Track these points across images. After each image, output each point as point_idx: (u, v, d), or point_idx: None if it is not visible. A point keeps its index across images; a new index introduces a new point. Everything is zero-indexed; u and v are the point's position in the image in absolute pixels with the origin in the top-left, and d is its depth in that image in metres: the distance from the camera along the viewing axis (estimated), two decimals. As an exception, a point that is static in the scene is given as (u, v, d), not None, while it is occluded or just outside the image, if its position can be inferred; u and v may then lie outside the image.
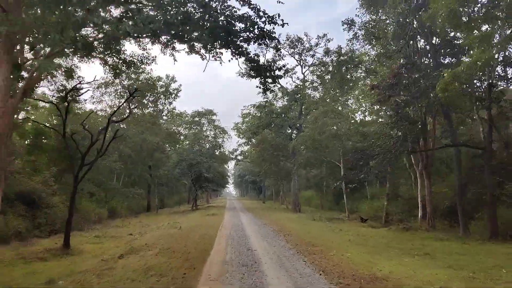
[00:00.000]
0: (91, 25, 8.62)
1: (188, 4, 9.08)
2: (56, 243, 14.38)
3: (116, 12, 10.40)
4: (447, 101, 12.84)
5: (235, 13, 8.98)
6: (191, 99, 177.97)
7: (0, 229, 14.74)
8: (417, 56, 17.76)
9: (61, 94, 13.63)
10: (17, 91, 10.60)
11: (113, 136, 14.92)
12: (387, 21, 18.97)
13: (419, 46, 18.48)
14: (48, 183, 22.45)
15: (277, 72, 8.80)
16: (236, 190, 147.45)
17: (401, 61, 16.92)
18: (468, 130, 19.38)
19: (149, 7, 9.42)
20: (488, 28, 13.71)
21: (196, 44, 10.24)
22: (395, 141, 15.37)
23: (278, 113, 38.73)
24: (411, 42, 17.47)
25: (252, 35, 9.26)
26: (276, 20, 8.95)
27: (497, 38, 14.11)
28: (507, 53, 14.85)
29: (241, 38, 9.44)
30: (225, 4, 9.08)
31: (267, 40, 9.35)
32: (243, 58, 9.96)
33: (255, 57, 10.19)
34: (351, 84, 26.32)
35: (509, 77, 15.64)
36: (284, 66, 36.69)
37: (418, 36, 18.46)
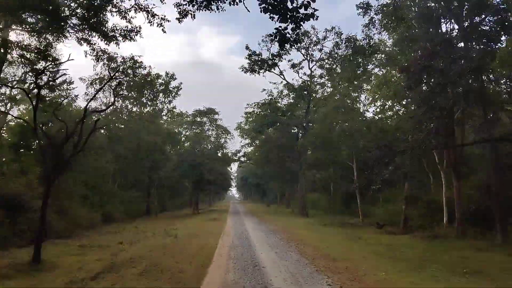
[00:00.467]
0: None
1: None
2: (30, 256, 12.32)
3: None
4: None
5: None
6: (195, 101, 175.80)
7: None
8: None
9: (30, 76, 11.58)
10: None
11: (93, 127, 12.74)
12: (408, 2, 16.81)
13: (446, 29, 16.32)
14: (32, 186, 20.51)
15: (302, 11, 5.72)
16: (239, 193, 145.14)
17: (427, 45, 14.72)
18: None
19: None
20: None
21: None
22: (425, 134, 13.13)
23: (284, 111, 36.46)
24: (439, 24, 15.28)
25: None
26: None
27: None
28: None
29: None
30: None
31: None
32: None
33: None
34: (364, 77, 24.08)
35: None
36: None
37: (444, 19, 16.30)
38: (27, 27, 10.44)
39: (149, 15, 9.29)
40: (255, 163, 52.10)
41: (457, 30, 15.78)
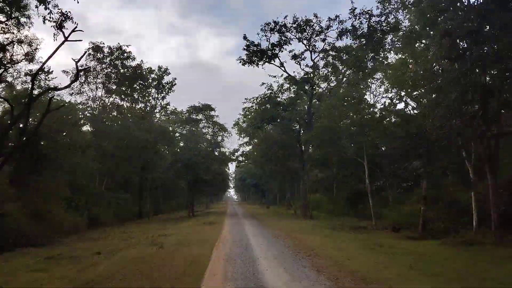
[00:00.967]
0: None
1: None
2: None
3: None
4: None
5: None
6: (192, 102, 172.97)
7: None
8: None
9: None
10: None
11: (47, 108, 10.25)
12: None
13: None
14: (2, 186, 18.03)
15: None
16: (238, 194, 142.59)
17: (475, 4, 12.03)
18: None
19: None
20: None
21: None
22: (468, 117, 10.66)
23: (284, 105, 33.91)
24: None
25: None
26: None
27: None
28: None
29: None
30: None
31: None
32: None
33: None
34: (376, 63, 21.63)
35: None
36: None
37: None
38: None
39: None
40: (254, 163, 49.66)
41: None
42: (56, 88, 16.45)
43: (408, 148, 12.58)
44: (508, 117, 14.63)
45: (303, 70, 32.79)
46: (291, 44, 31.79)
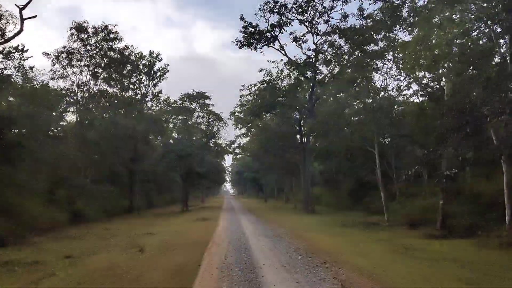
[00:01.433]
0: None
1: None
2: None
3: None
4: None
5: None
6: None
7: None
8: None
9: None
10: None
11: None
12: None
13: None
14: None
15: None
16: (234, 188, 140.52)
17: None
18: None
19: None
20: None
21: None
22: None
23: (284, 91, 31.49)
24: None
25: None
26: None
27: None
28: None
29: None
30: None
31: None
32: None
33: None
34: (385, 44, 19.35)
35: None
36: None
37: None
38: None
39: None
40: (251, 155, 47.39)
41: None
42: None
43: (448, 128, 10.32)
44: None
45: (305, 54, 30.40)
46: (291, 25, 29.37)
